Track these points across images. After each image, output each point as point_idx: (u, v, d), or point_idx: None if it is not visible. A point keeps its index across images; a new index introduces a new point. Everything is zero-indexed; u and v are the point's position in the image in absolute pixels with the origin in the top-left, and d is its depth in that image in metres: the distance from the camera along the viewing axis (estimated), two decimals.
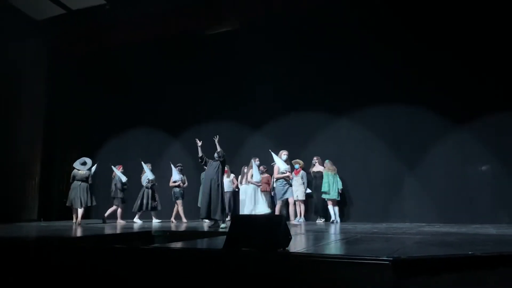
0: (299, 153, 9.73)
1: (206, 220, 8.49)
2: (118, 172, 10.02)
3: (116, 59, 11.57)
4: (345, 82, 9.55)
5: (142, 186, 9.95)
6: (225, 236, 3.72)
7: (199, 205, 9.59)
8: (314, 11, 9.56)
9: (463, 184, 8.57)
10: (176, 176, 9.92)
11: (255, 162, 9.46)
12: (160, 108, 11.66)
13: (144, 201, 9.75)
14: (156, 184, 10.00)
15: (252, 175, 9.44)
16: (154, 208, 9.83)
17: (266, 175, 9.73)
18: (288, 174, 8.37)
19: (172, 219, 9.82)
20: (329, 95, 9.75)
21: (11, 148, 10.55)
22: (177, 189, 9.89)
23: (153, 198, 9.84)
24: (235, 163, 10.11)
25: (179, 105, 11.42)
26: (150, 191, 9.84)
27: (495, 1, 8.34)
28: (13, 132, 10.67)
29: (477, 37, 8.49)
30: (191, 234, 6.74)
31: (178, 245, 4.72)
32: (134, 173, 10.40)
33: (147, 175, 9.91)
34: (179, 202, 9.85)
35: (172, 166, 9.99)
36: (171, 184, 9.95)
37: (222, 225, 7.52)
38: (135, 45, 11.17)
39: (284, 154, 8.89)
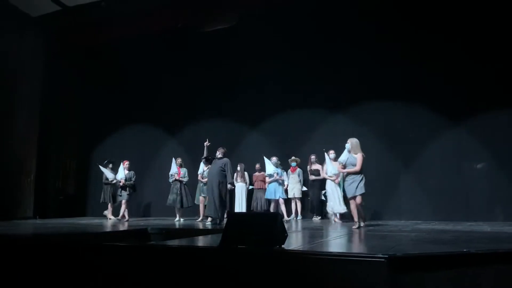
0: (296, 150, 9.73)
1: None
2: (121, 167, 9.81)
3: (112, 55, 11.52)
4: (342, 79, 9.52)
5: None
6: (221, 233, 3.71)
7: (196, 202, 9.61)
8: (310, 8, 9.53)
9: (458, 181, 8.59)
10: (200, 169, 9.38)
11: (328, 155, 8.43)
12: (157, 105, 11.62)
13: (170, 197, 9.47)
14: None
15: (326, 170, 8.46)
16: (181, 205, 9.41)
17: (261, 172, 9.73)
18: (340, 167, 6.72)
19: (202, 217, 9.15)
20: (325, 92, 9.73)
21: (6, 145, 10.49)
22: (200, 184, 9.33)
23: (178, 194, 9.37)
24: (232, 161, 10.05)
25: (176, 102, 11.39)
26: (175, 187, 9.45)
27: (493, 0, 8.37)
28: (8, 129, 10.60)
29: (474, 34, 8.50)
30: (187, 231, 6.74)
31: (174, 242, 4.72)
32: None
33: (172, 169, 9.58)
34: (201, 198, 9.33)
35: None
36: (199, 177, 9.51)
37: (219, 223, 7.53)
38: (132, 41, 11.11)
39: (347, 143, 6.84)
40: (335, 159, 7.82)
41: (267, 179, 9.30)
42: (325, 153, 8.52)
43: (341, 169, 6.80)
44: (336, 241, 4.80)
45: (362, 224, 6.60)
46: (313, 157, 9.39)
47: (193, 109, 11.25)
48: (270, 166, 9.16)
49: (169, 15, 10.51)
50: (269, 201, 9.53)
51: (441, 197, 8.59)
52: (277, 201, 9.31)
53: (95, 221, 9.38)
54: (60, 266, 4.05)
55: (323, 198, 9.37)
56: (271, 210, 9.11)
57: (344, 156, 6.75)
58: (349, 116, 9.73)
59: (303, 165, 9.59)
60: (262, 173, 9.71)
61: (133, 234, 6.62)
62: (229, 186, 8.08)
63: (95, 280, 3.81)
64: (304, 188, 9.51)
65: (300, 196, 9.32)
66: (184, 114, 11.40)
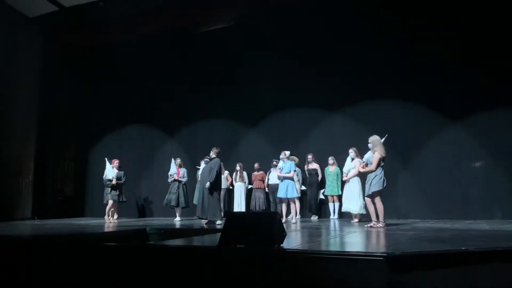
0: (294, 150, 9.72)
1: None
2: (108, 166, 9.68)
3: (110, 55, 11.49)
4: (339, 78, 9.52)
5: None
6: (220, 233, 3.72)
7: (194, 202, 9.60)
8: (309, 7, 9.53)
9: (456, 180, 8.61)
10: (201, 169, 9.15)
11: (351, 154, 8.28)
12: (155, 105, 11.61)
13: (167, 197, 9.42)
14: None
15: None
16: (177, 204, 9.36)
17: (260, 172, 9.74)
18: (362, 165, 6.60)
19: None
20: (322, 92, 9.73)
21: (4, 146, 10.47)
22: (199, 184, 9.11)
23: (174, 194, 9.32)
24: (230, 161, 10.08)
25: (175, 102, 11.37)
26: (174, 186, 9.40)
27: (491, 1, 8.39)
28: (6, 130, 10.59)
29: (472, 32, 8.51)
30: (186, 231, 6.74)
31: (173, 242, 4.72)
32: (127, 170, 10.32)
33: (172, 170, 9.54)
34: None
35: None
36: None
37: (218, 222, 7.52)
38: (130, 41, 11.09)
39: (369, 143, 6.78)
40: (361, 157, 7.76)
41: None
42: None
43: (361, 168, 6.73)
44: (334, 240, 4.80)
45: (377, 224, 6.45)
46: (310, 156, 9.40)
47: (191, 109, 11.23)
48: (279, 162, 8.55)
49: (167, 15, 10.50)
50: (270, 200, 9.50)
51: (440, 195, 8.61)
52: (288, 200, 8.37)
53: (94, 221, 9.37)
54: (59, 267, 4.05)
55: (322, 197, 9.39)
56: (283, 209, 8.39)
57: (367, 155, 6.79)
58: (347, 115, 9.73)
59: (301, 165, 9.60)
60: (261, 172, 9.72)
61: (132, 234, 6.62)
62: (207, 184, 7.78)
63: (95, 280, 3.81)
64: (303, 188, 9.52)
65: (299, 195, 9.32)
66: (182, 114, 11.37)
